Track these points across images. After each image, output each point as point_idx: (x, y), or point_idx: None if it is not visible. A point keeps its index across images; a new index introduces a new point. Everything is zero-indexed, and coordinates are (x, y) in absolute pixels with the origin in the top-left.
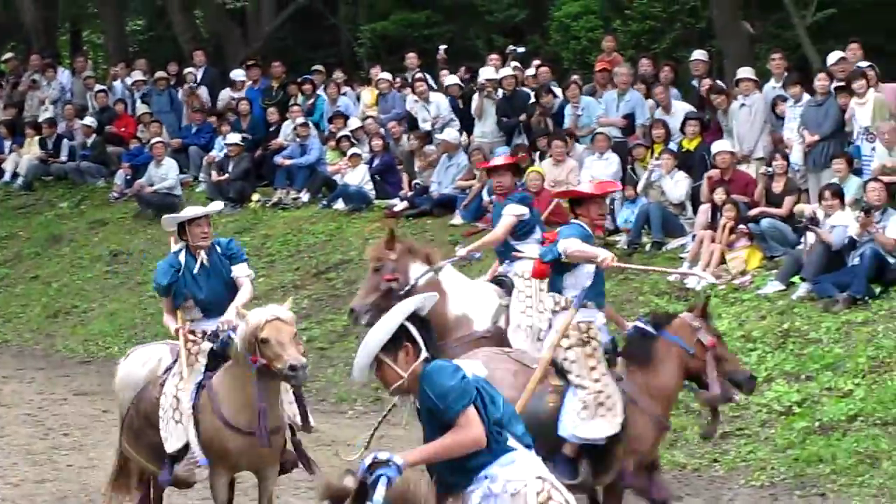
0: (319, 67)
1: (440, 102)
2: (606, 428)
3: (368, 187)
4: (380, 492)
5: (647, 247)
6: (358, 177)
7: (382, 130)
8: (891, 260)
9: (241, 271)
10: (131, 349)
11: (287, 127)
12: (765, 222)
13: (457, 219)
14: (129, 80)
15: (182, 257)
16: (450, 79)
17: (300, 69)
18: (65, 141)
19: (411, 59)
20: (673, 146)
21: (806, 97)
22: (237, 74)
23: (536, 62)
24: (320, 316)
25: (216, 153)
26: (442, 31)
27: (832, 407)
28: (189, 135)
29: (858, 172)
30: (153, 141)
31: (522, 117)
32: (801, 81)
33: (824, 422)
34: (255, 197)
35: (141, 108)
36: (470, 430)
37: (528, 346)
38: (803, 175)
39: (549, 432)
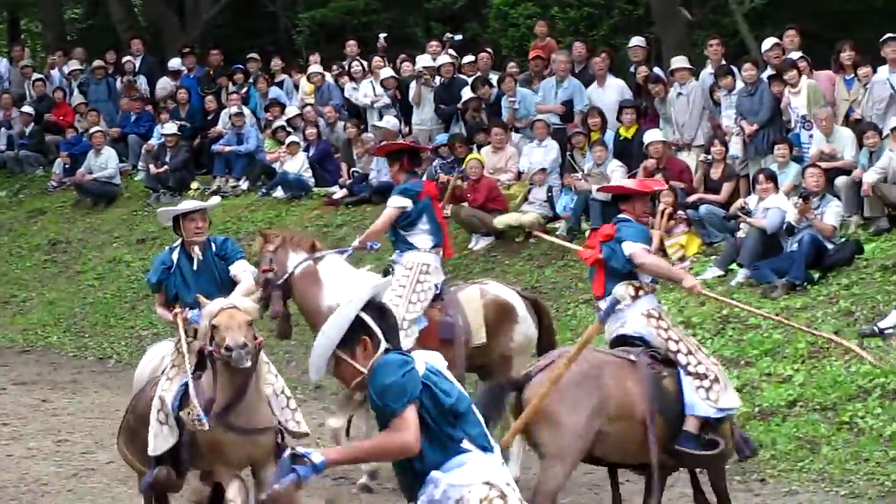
0: (254, 55)
1: (377, 87)
2: (734, 398)
3: (307, 175)
4: (283, 484)
5: (587, 233)
6: (297, 165)
7: (321, 119)
8: (829, 246)
9: (239, 268)
10: (149, 346)
11: (225, 115)
12: (703, 209)
13: None
14: (66, 69)
15: (176, 254)
16: (385, 72)
17: (239, 57)
18: (2, 130)
19: (350, 46)
20: (610, 134)
21: (739, 85)
22: (174, 63)
23: (481, 54)
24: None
25: (154, 142)
26: (381, 19)
27: (771, 392)
28: (128, 123)
29: (798, 160)
30: (92, 130)
31: (460, 105)
32: (732, 72)
33: (764, 407)
34: (195, 185)
35: (78, 98)
36: (399, 434)
37: None
38: (743, 162)
39: (677, 416)
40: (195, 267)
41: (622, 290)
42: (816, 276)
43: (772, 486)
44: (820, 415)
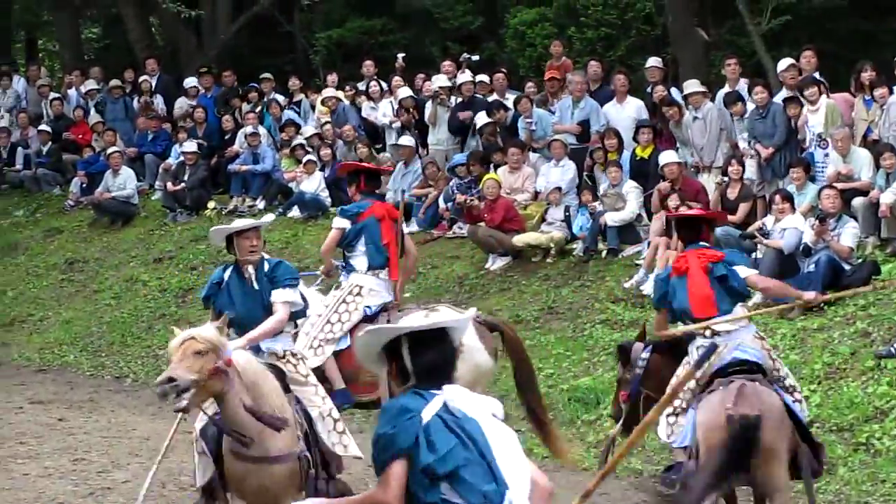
0: (268, 76)
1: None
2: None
3: (324, 195)
4: None
5: (604, 254)
6: (313, 184)
7: (339, 140)
8: (846, 267)
9: (279, 296)
10: None
11: (241, 135)
12: (719, 229)
13: (413, 226)
14: (83, 89)
15: (228, 272)
16: (403, 91)
17: (256, 77)
18: (20, 149)
19: (367, 66)
20: (626, 154)
21: (750, 106)
22: (191, 82)
23: (497, 75)
24: None
25: (172, 161)
26: (398, 39)
27: None
28: (145, 143)
29: (813, 179)
30: (110, 151)
31: (476, 118)
32: (741, 98)
33: None
34: (211, 205)
35: (95, 117)
36: (377, 491)
37: (305, 352)
38: (760, 184)
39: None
40: (245, 287)
41: (740, 310)
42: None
43: None
44: (836, 436)
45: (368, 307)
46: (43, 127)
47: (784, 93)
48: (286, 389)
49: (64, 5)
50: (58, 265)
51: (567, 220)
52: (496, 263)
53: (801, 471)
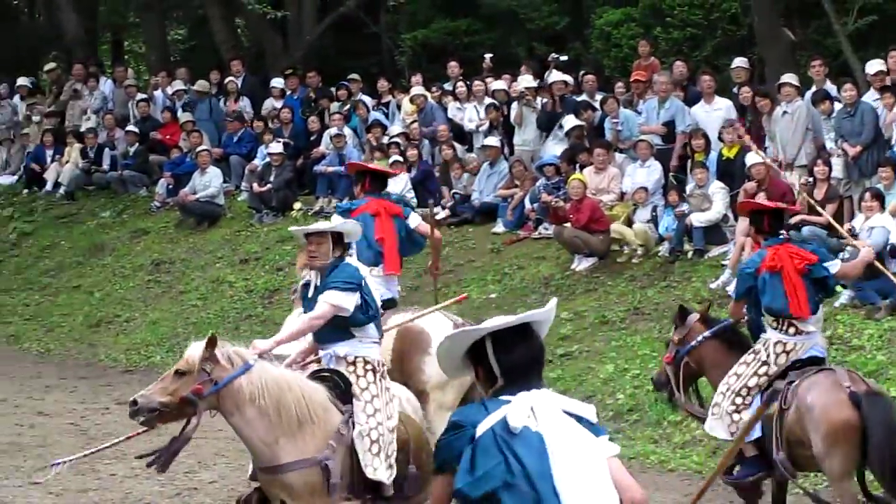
0: (355, 76)
1: (482, 110)
2: None
3: (410, 195)
4: None
5: (689, 254)
6: (399, 185)
7: (426, 140)
8: None
9: (322, 297)
10: None
11: (328, 136)
12: (806, 230)
13: (499, 227)
14: (170, 90)
15: (314, 274)
16: (497, 84)
17: (341, 78)
18: (106, 150)
19: (452, 67)
20: (713, 154)
21: (838, 107)
22: (277, 83)
23: (587, 77)
24: None
25: (259, 162)
26: (483, 39)
27: None
28: (230, 144)
29: None
30: (198, 149)
31: (563, 120)
32: (829, 96)
33: None
34: (297, 206)
35: (184, 117)
36: (433, 498)
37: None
38: (847, 183)
39: None
40: (306, 293)
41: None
42: None
43: None
44: None
45: None
46: (130, 128)
47: (872, 93)
48: (349, 398)
49: (150, 7)
50: (144, 266)
51: (653, 221)
52: (582, 264)
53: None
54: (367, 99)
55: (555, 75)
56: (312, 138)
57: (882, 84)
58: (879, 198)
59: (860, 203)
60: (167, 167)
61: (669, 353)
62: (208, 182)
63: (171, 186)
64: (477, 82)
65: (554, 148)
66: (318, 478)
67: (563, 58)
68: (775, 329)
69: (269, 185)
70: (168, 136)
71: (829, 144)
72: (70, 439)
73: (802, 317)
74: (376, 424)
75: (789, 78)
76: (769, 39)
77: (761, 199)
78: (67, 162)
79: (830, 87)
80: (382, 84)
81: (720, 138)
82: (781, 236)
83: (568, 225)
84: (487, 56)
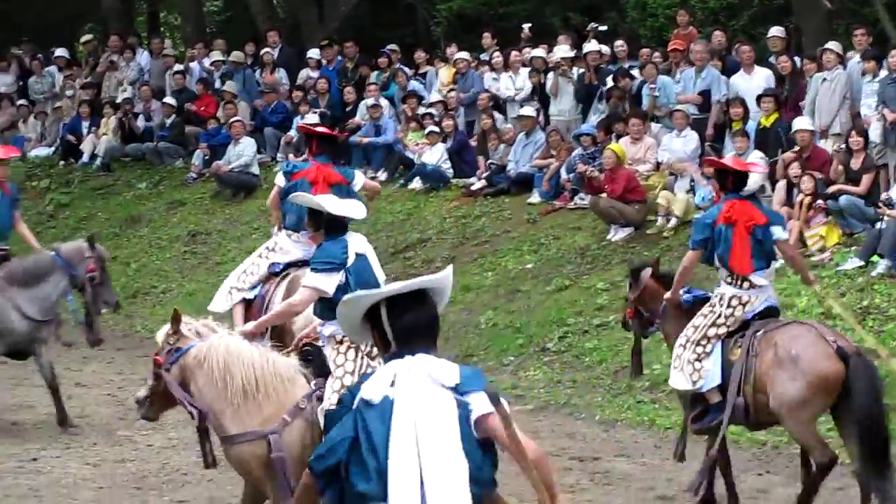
0: (394, 47)
1: (523, 77)
2: None
3: (446, 166)
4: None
5: None
6: (435, 156)
7: (462, 109)
8: None
9: (304, 280)
10: None
11: (364, 107)
12: (843, 199)
13: (535, 197)
14: (206, 62)
15: None
16: (536, 51)
17: (376, 49)
18: (143, 122)
19: (487, 38)
20: (752, 124)
21: (883, 73)
22: (313, 53)
23: (617, 42)
24: None
25: (294, 133)
26: (518, 10)
27: None
28: (265, 115)
29: None
30: (232, 120)
31: (601, 93)
32: (878, 58)
33: None
34: None
35: (225, 87)
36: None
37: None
38: (881, 152)
39: None
40: None
41: (772, 268)
42: None
43: None
44: None
45: (277, 263)
46: (167, 100)
47: None
48: (327, 373)
49: None
50: (180, 237)
51: (692, 190)
52: (618, 234)
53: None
54: (406, 69)
55: (592, 45)
56: (348, 109)
57: None
58: None
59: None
60: (203, 138)
61: (629, 308)
62: (241, 152)
63: (207, 158)
64: (514, 52)
65: (594, 121)
66: (264, 451)
67: (602, 27)
68: (730, 284)
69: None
70: (202, 108)
71: (866, 111)
72: (107, 410)
73: (743, 272)
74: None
75: (832, 45)
76: (806, 8)
77: (794, 167)
78: (104, 133)
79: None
80: (419, 55)
81: (759, 106)
82: (742, 193)
83: (604, 195)
84: (526, 26)
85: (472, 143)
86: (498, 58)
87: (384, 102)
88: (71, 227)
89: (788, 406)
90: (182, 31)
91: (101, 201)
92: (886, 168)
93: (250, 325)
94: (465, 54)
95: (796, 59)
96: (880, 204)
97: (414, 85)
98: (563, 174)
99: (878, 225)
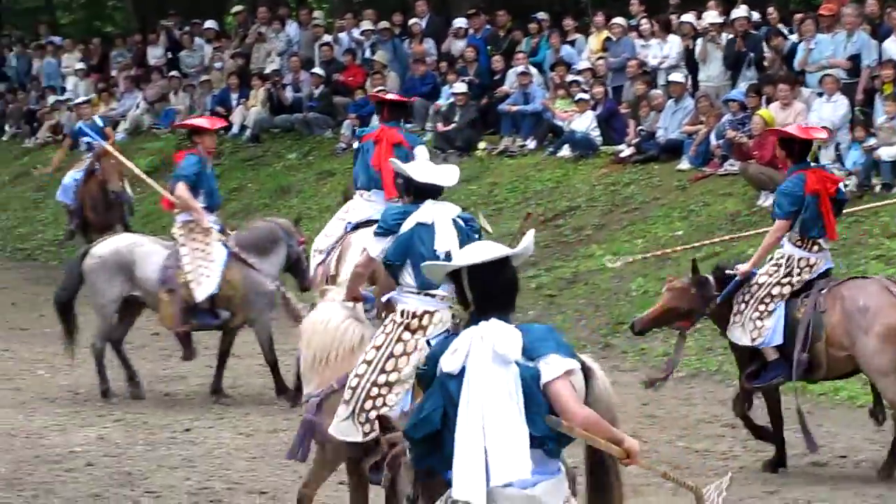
0: (544, 16)
1: (672, 44)
2: None
3: (595, 133)
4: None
5: (877, 189)
6: (585, 123)
7: (610, 75)
8: None
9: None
10: None
11: (512, 75)
12: None
13: (684, 164)
14: (354, 32)
15: None
16: (686, 16)
17: (524, 17)
18: (290, 92)
19: (635, 4)
20: None
21: None
22: (460, 22)
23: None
24: (548, 263)
25: (443, 102)
26: None
27: None
28: (413, 85)
29: None
30: (376, 90)
31: (751, 56)
32: None
33: None
34: (482, 145)
35: (380, 56)
36: None
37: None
38: None
39: None
40: None
41: None
42: None
43: None
44: None
45: (349, 223)
46: (315, 70)
47: None
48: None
49: None
50: (331, 207)
51: (839, 156)
52: (769, 200)
53: None
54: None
55: (741, 10)
56: (496, 77)
57: None
58: None
59: None
60: (351, 109)
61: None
62: None
63: (355, 128)
64: (674, 16)
65: (743, 87)
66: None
67: None
68: (799, 247)
69: (453, 125)
70: (351, 79)
71: None
72: (259, 381)
73: (833, 239)
74: (355, 375)
75: None
76: None
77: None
78: (253, 105)
79: None
80: (568, 22)
81: None
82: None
83: (753, 161)
84: None
85: (622, 109)
86: (646, 24)
87: (533, 70)
88: (222, 197)
89: (863, 357)
90: (330, 2)
91: (252, 172)
92: None
93: (344, 294)
94: (620, 20)
95: None
96: None
97: (564, 51)
98: (713, 140)
99: None
